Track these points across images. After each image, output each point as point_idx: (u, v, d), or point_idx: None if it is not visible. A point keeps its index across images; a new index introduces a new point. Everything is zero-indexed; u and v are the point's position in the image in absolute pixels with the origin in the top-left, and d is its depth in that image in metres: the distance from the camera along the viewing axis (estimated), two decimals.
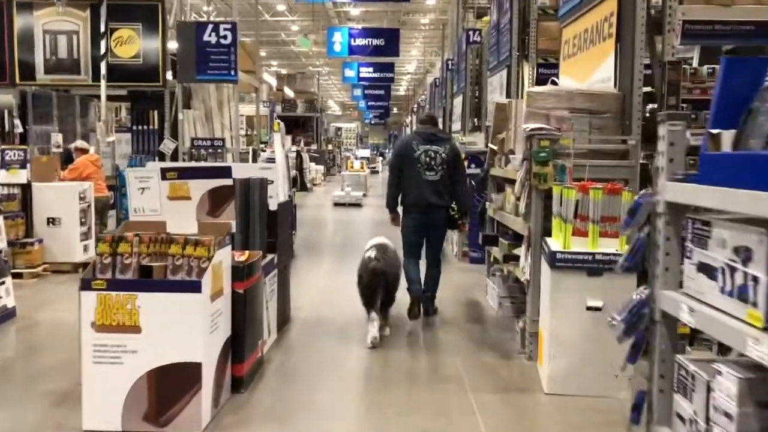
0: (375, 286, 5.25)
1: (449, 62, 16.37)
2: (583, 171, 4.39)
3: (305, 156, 23.10)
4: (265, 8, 25.16)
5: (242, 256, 4.46)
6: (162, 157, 11.01)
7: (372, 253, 5.39)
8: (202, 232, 3.96)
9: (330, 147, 33.81)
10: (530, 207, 4.64)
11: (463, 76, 12.87)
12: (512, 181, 5.51)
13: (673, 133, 2.25)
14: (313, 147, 27.37)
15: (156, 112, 11.53)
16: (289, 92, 27.08)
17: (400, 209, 6.15)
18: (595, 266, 3.98)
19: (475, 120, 11.97)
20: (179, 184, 3.90)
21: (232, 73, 11.22)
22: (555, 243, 4.20)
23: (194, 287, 3.47)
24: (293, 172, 21.96)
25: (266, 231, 4.97)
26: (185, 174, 3.89)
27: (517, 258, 5.22)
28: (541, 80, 8.40)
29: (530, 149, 4.58)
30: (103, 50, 10.36)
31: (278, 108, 25.79)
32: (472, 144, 9.05)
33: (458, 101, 13.68)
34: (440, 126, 15.00)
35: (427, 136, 6.00)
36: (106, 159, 10.27)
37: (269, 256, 5.04)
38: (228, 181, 3.90)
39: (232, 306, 4.02)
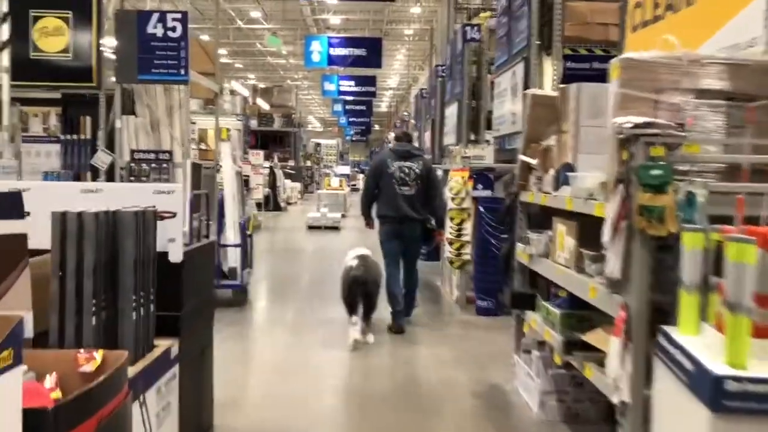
0: (356, 293, 5.52)
1: (439, 68, 14.42)
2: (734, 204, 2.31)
3: (279, 173, 20.95)
4: (238, 15, 23.12)
5: (89, 365, 2.33)
6: (95, 172, 8.99)
7: (353, 263, 5.66)
8: None
9: (309, 163, 31.67)
10: (629, 266, 2.56)
11: (459, 80, 10.87)
12: (566, 213, 3.45)
13: None
14: (290, 163, 25.23)
15: (89, 119, 9.49)
16: (264, 105, 24.91)
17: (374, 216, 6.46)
18: None
19: (472, 133, 9.98)
20: None
21: (182, 72, 9.07)
22: (697, 345, 2.11)
23: None
24: (265, 191, 19.86)
25: (153, 303, 2.82)
26: None
27: (589, 348, 3.12)
28: (568, 78, 6.43)
29: (629, 163, 2.51)
30: (5, 36, 8.19)
31: (253, 122, 23.63)
32: (479, 158, 6.98)
33: (451, 111, 11.62)
34: (417, 143, 13.30)
35: (401, 153, 6.19)
36: (10, 177, 8.06)
37: (162, 346, 2.89)
38: (16, 226, 1.76)
39: None
